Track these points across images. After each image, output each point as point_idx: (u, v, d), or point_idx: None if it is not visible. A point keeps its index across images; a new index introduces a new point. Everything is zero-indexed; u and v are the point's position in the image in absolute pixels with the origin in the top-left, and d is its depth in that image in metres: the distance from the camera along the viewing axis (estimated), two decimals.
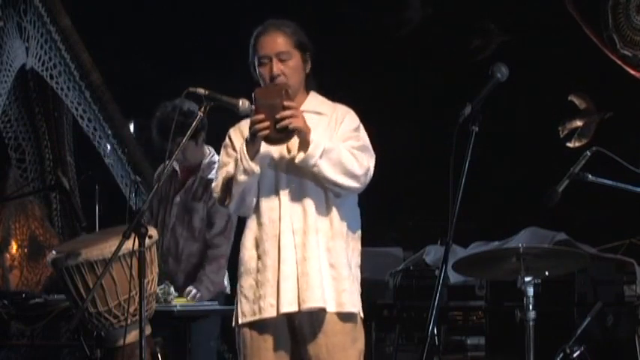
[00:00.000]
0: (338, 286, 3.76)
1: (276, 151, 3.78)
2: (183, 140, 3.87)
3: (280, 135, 3.64)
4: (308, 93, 3.91)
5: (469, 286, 6.19)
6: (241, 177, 3.70)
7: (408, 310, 6.46)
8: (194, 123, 3.80)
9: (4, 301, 5.53)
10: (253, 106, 3.69)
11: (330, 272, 3.76)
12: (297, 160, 3.68)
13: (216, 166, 5.53)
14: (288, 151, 3.78)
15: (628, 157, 4.58)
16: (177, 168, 5.65)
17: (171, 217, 5.60)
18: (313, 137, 3.66)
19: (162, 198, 5.64)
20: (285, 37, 3.81)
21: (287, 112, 3.61)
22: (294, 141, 3.72)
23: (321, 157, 3.65)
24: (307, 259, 3.72)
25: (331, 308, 3.74)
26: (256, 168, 3.69)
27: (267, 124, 3.62)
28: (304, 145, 3.66)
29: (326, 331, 3.76)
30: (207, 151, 5.63)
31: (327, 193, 3.79)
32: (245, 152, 3.68)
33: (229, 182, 3.75)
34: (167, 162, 4.02)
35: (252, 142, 3.69)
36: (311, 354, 3.76)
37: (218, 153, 4.54)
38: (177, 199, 5.60)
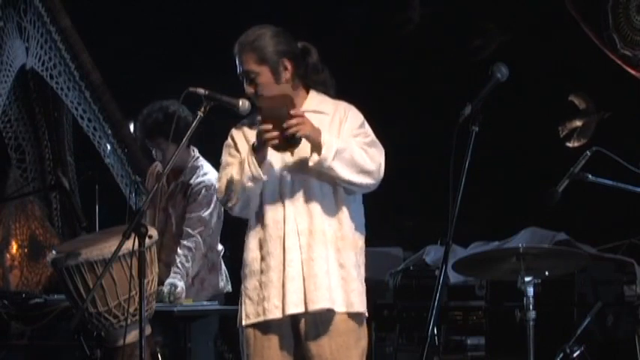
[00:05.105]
0: (347, 286, 3.78)
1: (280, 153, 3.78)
2: (181, 144, 3.85)
3: (289, 143, 3.66)
4: (308, 92, 3.90)
5: (469, 286, 6.19)
6: (249, 184, 3.71)
7: (408, 310, 6.47)
8: (193, 124, 3.79)
9: (4, 301, 5.52)
10: (259, 117, 3.70)
11: (339, 272, 3.77)
12: (310, 164, 3.69)
13: (199, 171, 5.48)
14: (292, 153, 3.77)
15: (628, 157, 4.58)
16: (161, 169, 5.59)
17: (158, 223, 5.56)
18: (325, 139, 3.66)
19: (152, 204, 5.58)
20: (248, 56, 3.78)
21: (293, 121, 3.62)
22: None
23: (334, 158, 3.66)
24: (314, 260, 3.73)
25: (340, 308, 3.75)
26: (264, 176, 3.71)
27: (275, 133, 3.64)
28: (316, 148, 3.67)
29: (330, 332, 3.77)
30: (192, 154, 5.58)
31: (336, 194, 3.79)
32: (253, 160, 3.69)
33: (232, 184, 3.75)
34: (165, 168, 3.99)
35: (259, 149, 3.70)
36: (314, 354, 3.77)
37: (212, 154, 4.52)
38: (163, 204, 5.58)
